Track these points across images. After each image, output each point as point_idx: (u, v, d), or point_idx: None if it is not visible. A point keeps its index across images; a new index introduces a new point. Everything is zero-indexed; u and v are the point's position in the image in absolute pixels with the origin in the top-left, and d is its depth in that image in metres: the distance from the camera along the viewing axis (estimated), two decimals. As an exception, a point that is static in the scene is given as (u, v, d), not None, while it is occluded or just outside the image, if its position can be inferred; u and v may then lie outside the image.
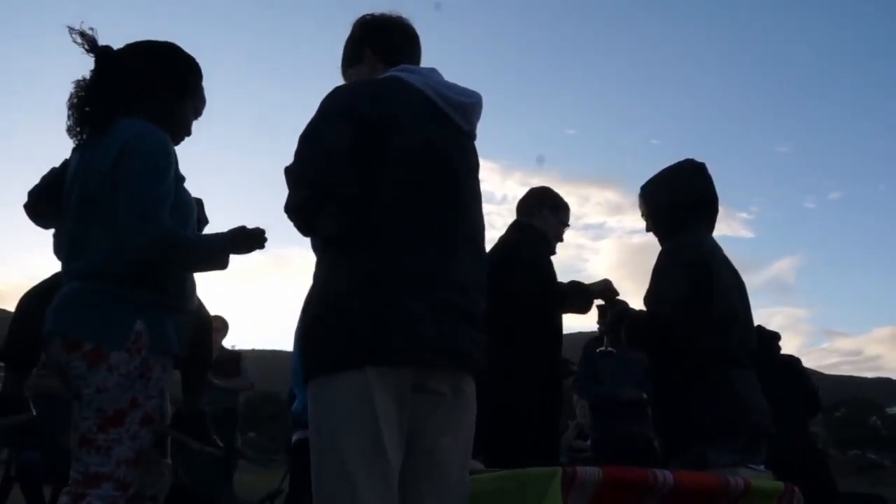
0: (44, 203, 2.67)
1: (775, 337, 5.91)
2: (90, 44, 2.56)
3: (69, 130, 2.53)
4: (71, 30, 2.53)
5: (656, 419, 3.32)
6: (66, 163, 2.66)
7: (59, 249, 2.60)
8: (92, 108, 2.52)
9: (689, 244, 3.16)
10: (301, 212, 2.17)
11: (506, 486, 2.26)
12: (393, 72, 2.32)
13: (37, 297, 2.80)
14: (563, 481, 2.10)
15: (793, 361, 5.87)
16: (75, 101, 2.54)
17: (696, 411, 2.98)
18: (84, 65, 2.55)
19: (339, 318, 2.09)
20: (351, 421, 2.04)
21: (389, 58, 2.40)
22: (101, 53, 2.57)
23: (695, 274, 3.04)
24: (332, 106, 2.22)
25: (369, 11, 2.50)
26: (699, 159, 3.39)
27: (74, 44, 2.54)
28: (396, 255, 2.11)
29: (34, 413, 2.93)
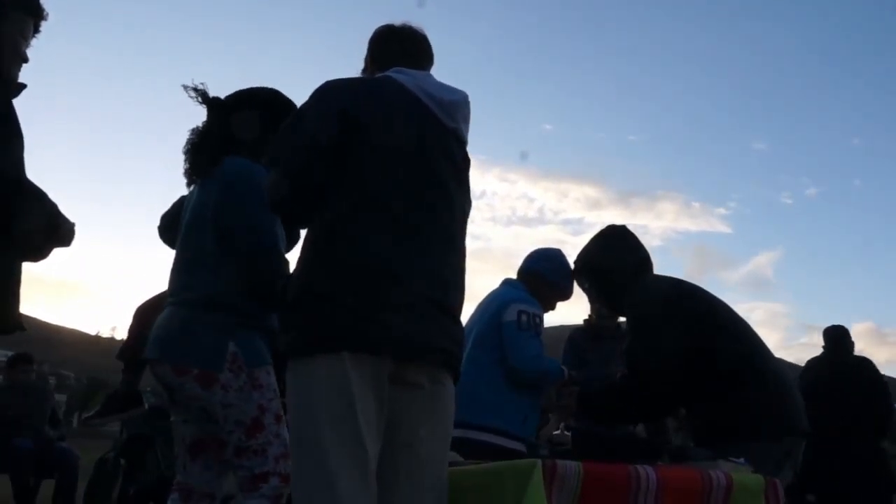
0: (171, 228, 3.08)
1: (844, 335, 5.94)
2: (202, 97, 2.84)
3: (185, 173, 2.84)
4: (185, 87, 2.80)
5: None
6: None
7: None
8: (203, 153, 2.82)
9: (650, 292, 3.20)
10: (280, 204, 2.26)
11: (486, 479, 2.26)
12: (387, 72, 2.39)
13: (148, 311, 3.29)
14: (543, 474, 2.10)
15: (863, 363, 5.93)
16: (189, 147, 2.83)
17: (687, 422, 3.00)
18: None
19: (318, 303, 2.12)
20: (328, 406, 2.06)
21: (385, 66, 2.45)
22: (211, 105, 2.86)
23: (673, 317, 3.07)
24: (319, 98, 2.28)
25: (388, 23, 2.57)
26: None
27: (189, 98, 2.85)
28: (373, 247, 2.14)
29: (146, 406, 3.57)
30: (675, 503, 2.32)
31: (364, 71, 2.57)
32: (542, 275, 3.92)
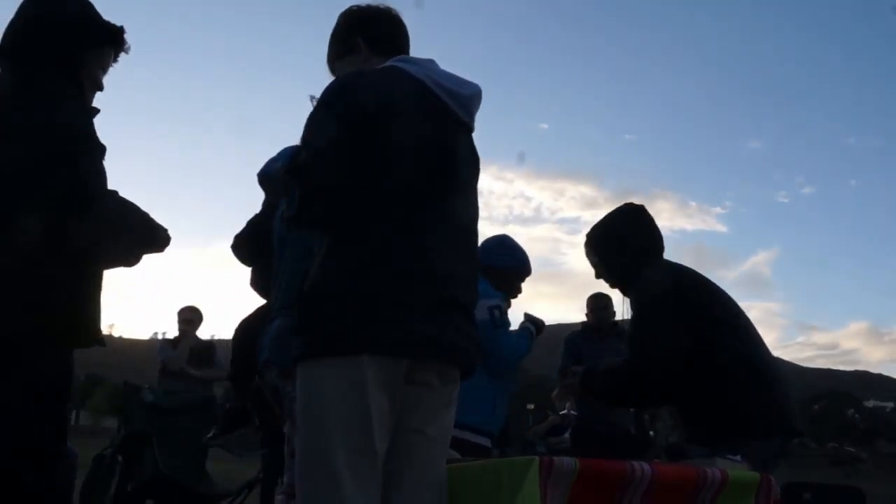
0: (251, 244, 3.19)
1: None
2: None
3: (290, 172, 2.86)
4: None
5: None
6: (266, 208, 3.13)
7: (264, 282, 3.03)
8: None
9: (654, 282, 3.18)
10: (293, 209, 2.18)
11: (483, 476, 2.25)
12: (392, 62, 2.31)
13: (249, 327, 3.37)
14: (540, 471, 2.10)
15: None
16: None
17: (686, 422, 3.01)
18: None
19: (333, 304, 2.08)
20: (341, 407, 2.03)
21: (382, 48, 2.39)
22: None
23: (675, 309, 3.06)
24: (331, 98, 2.21)
25: (355, 3, 2.47)
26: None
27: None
28: (386, 246, 2.11)
29: (256, 423, 3.65)
30: (669, 497, 2.33)
31: (345, 50, 2.44)
32: (499, 266, 3.96)
